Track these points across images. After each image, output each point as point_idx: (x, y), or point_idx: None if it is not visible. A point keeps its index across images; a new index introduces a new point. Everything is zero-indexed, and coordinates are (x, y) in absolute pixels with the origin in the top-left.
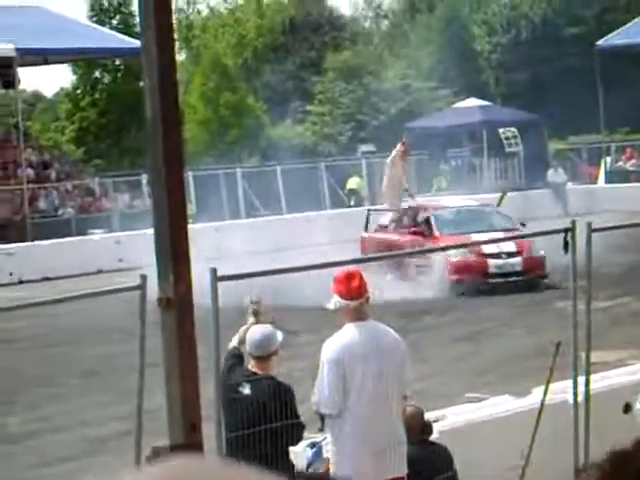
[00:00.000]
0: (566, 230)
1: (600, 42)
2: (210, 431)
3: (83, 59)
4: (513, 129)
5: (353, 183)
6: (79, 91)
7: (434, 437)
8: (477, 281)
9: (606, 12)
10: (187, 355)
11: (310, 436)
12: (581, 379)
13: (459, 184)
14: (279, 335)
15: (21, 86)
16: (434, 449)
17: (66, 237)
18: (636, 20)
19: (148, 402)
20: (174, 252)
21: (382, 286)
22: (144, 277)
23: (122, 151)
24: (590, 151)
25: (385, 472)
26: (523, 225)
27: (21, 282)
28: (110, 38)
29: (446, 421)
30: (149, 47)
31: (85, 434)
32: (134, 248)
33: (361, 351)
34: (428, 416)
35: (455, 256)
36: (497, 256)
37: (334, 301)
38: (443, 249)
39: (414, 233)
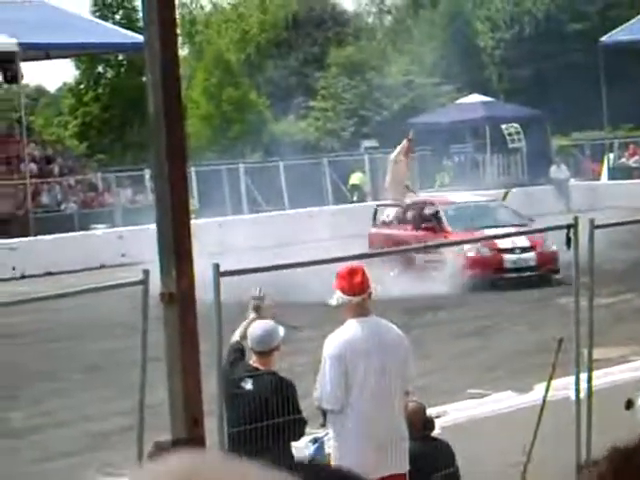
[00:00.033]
0: (569, 226)
1: (604, 38)
2: (212, 426)
3: (86, 54)
4: (516, 125)
5: (356, 179)
6: (82, 86)
7: (436, 433)
8: (493, 276)
9: (610, 8)
10: (189, 350)
11: (312, 432)
12: (583, 375)
13: (462, 180)
14: (281, 330)
15: (24, 81)
16: (436, 445)
17: (69, 232)
18: (639, 16)
19: (150, 397)
20: (177, 247)
21: (394, 282)
22: (147, 272)
23: (125, 146)
24: (593, 147)
25: (387, 468)
26: (532, 221)
27: (24, 277)
28: (113, 33)
29: (448, 417)
30: (152, 42)
31: (88, 429)
32: (137, 243)
33: (363, 347)
34: (430, 412)
35: (471, 251)
36: (511, 251)
37: (336, 297)
38: (458, 243)
39: (425, 228)
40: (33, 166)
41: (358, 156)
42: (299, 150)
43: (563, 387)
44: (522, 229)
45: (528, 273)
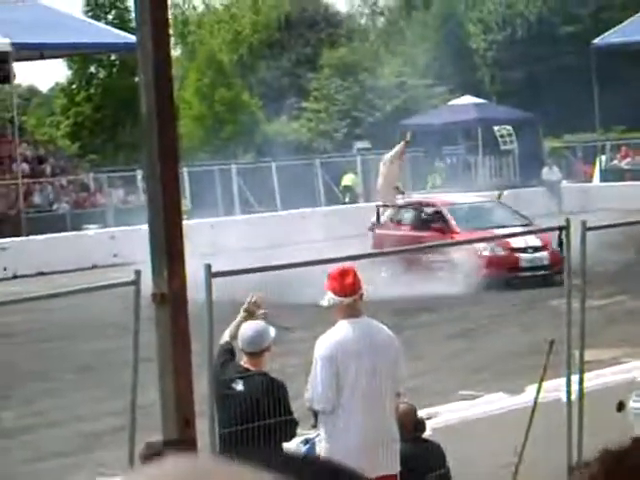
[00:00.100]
0: (561, 228)
1: (596, 40)
2: (204, 427)
3: (78, 54)
4: (508, 127)
5: (348, 180)
6: (74, 86)
7: (427, 434)
8: (507, 275)
9: (602, 10)
10: (181, 351)
11: (303, 432)
12: (575, 377)
13: (454, 182)
14: (271, 331)
15: (16, 81)
16: (427, 446)
17: (61, 232)
18: (632, 18)
19: (142, 397)
20: (169, 248)
21: (401, 283)
22: (138, 273)
23: (117, 146)
24: (585, 149)
25: (378, 469)
26: (532, 221)
27: (15, 277)
28: (106, 33)
29: (439, 418)
30: (144, 42)
31: (79, 429)
32: (129, 243)
33: (354, 348)
34: (421, 413)
35: (486, 250)
36: (525, 250)
37: (328, 298)
38: (474, 241)
39: (433, 229)
40: (25, 166)
41: (350, 157)
42: (291, 151)
43: (554, 389)
44: (526, 229)
45: (542, 272)
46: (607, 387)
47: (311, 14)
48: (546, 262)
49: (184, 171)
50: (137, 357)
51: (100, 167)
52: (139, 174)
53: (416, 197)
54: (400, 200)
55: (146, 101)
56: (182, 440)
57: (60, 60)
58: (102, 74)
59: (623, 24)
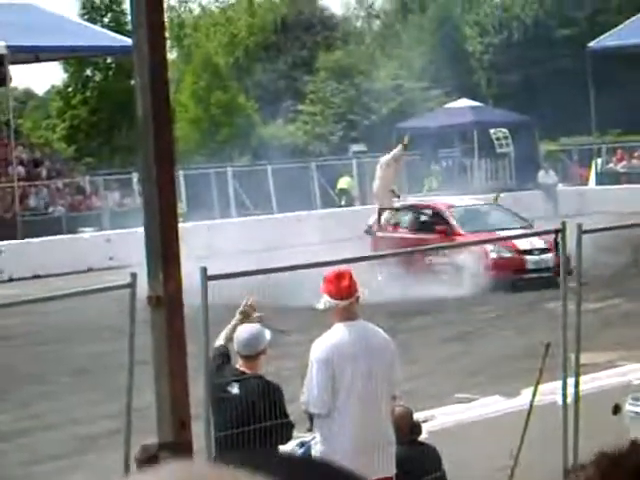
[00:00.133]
0: (557, 231)
1: (592, 44)
2: (199, 430)
3: (74, 57)
4: (504, 130)
5: (344, 183)
6: (70, 89)
7: (423, 437)
8: (514, 277)
9: (598, 14)
10: (176, 353)
11: (299, 435)
12: (570, 380)
13: (450, 185)
14: (267, 334)
15: (12, 84)
16: (423, 449)
17: (56, 235)
18: (628, 22)
19: (138, 400)
20: (164, 251)
21: (407, 285)
22: (134, 275)
23: (113, 149)
24: (581, 152)
25: (374, 472)
26: (532, 224)
27: (11, 280)
28: (101, 36)
29: (435, 421)
30: (141, 45)
31: (75, 432)
32: (124, 246)
33: (350, 351)
34: (417, 416)
35: (493, 253)
36: (531, 252)
37: (324, 301)
38: (481, 243)
39: (436, 231)
40: (21, 169)
41: (346, 160)
42: (287, 154)
43: (550, 392)
44: (527, 231)
45: (547, 274)
46: (603, 390)
47: (307, 17)
48: (551, 264)
49: (180, 174)
50: (133, 360)
51: (96, 170)
52: (135, 177)
53: (413, 200)
54: (396, 203)
55: (142, 104)
56: (178, 443)
57: (56, 63)
58: (98, 77)
59: (619, 27)
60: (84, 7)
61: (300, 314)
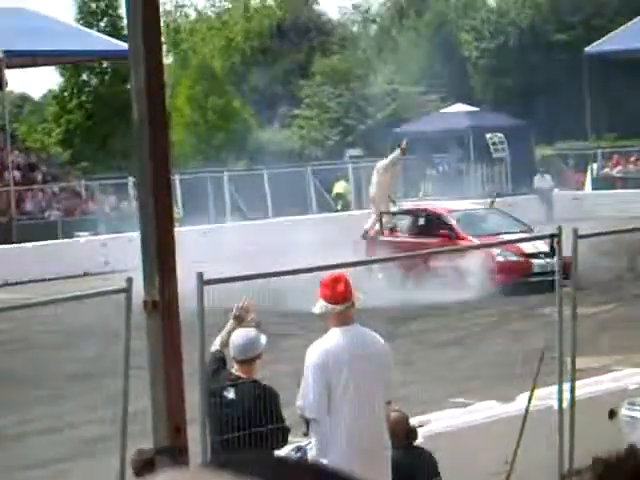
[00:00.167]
0: (552, 236)
1: (588, 48)
2: (195, 434)
3: (71, 61)
4: (500, 134)
5: (340, 187)
6: (66, 93)
7: (419, 442)
8: (522, 281)
9: (594, 18)
10: (172, 359)
11: (295, 440)
12: (566, 385)
13: (446, 189)
14: (262, 339)
15: (8, 88)
16: (419, 454)
17: (52, 239)
18: (624, 27)
19: (134, 405)
20: (160, 255)
21: (413, 290)
22: (130, 280)
23: (109, 154)
24: (577, 157)
25: (370, 477)
26: (531, 228)
27: (7, 284)
28: (98, 41)
29: (431, 426)
30: (137, 49)
31: (71, 436)
32: (120, 251)
33: (346, 356)
34: (413, 421)
35: (500, 256)
36: (537, 256)
37: (320, 305)
38: (480, 247)
39: (440, 235)
40: (17, 173)
41: (342, 165)
42: (283, 158)
43: (546, 397)
44: (526, 235)
45: (552, 277)
46: (599, 395)
47: (303, 22)
48: (556, 267)
49: (176, 178)
50: (128, 365)
51: (92, 174)
52: (131, 181)
53: (411, 205)
54: (393, 208)
55: (138, 108)
56: (173, 447)
57: (52, 67)
58: (94, 82)
59: (615, 32)
60: (80, 11)
61: (297, 318)
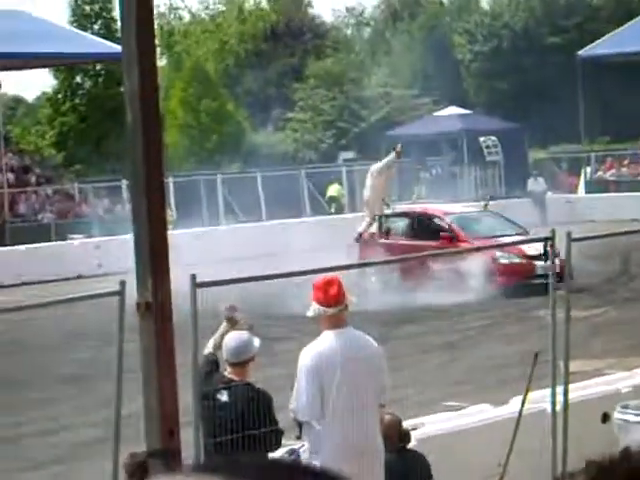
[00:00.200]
0: (546, 239)
1: (581, 52)
2: (188, 436)
3: (64, 64)
4: (493, 138)
5: (333, 190)
6: (60, 96)
7: (412, 445)
8: (525, 283)
9: (587, 22)
10: (165, 361)
11: (288, 443)
12: (559, 388)
13: (439, 192)
14: (256, 341)
15: (2, 90)
16: (412, 457)
17: (45, 242)
18: (617, 30)
19: (128, 407)
20: (153, 258)
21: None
22: (123, 283)
23: (102, 156)
24: (570, 160)
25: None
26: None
27: (0, 287)
28: (92, 43)
29: (424, 429)
30: (130, 52)
31: (64, 439)
32: (114, 254)
33: (338, 359)
34: (406, 424)
35: (504, 258)
36: (539, 258)
37: (313, 308)
38: (483, 249)
39: (442, 238)
40: (10, 175)
41: (336, 168)
42: (277, 161)
43: (539, 400)
44: (524, 237)
45: (552, 280)
46: (592, 398)
47: (297, 25)
48: (557, 269)
49: (169, 181)
50: (121, 367)
51: (85, 177)
52: (124, 184)
53: (408, 207)
54: (387, 211)
55: (131, 110)
56: (166, 450)
57: (46, 70)
58: (88, 84)
59: (608, 36)
60: (74, 14)
61: (290, 321)
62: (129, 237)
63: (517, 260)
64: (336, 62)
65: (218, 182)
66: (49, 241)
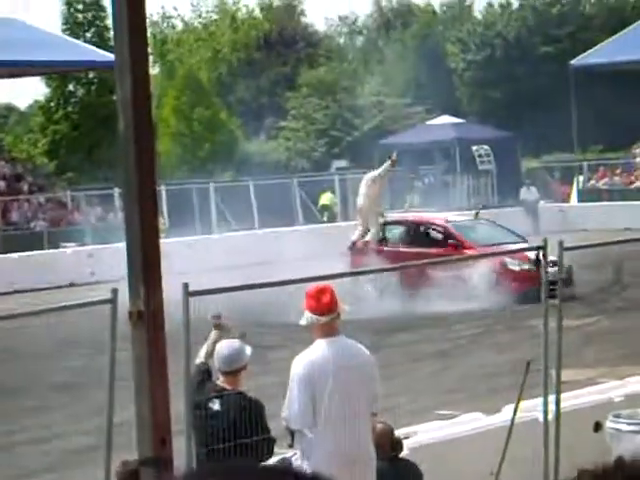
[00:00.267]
0: (538, 248)
1: (574, 61)
2: (180, 445)
3: (57, 72)
4: (486, 147)
5: (326, 199)
6: (52, 104)
7: (404, 454)
8: (535, 289)
9: (580, 31)
10: (158, 369)
11: (280, 452)
12: (552, 397)
13: (431, 201)
14: (248, 350)
15: None
16: (404, 466)
17: (38, 250)
18: (610, 39)
19: (120, 415)
20: (146, 266)
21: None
22: (115, 291)
23: (95, 164)
24: (563, 169)
25: None
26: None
27: None
28: (84, 51)
29: (416, 438)
30: (123, 60)
31: (56, 447)
32: (106, 262)
33: (331, 367)
34: (398, 433)
35: (514, 265)
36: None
37: (305, 316)
38: (501, 254)
39: (448, 245)
40: (2, 183)
41: (328, 176)
42: (270, 170)
43: (531, 409)
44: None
45: (562, 286)
46: (584, 407)
47: (290, 33)
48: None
49: (162, 189)
50: (113, 376)
51: (78, 185)
52: (117, 192)
53: (398, 215)
54: (380, 220)
55: (124, 118)
56: (158, 459)
57: (38, 78)
58: (80, 92)
59: (601, 45)
60: (67, 22)
61: (283, 330)
62: (121, 245)
63: (527, 266)
64: (329, 71)
65: (211, 190)
66: (42, 249)
